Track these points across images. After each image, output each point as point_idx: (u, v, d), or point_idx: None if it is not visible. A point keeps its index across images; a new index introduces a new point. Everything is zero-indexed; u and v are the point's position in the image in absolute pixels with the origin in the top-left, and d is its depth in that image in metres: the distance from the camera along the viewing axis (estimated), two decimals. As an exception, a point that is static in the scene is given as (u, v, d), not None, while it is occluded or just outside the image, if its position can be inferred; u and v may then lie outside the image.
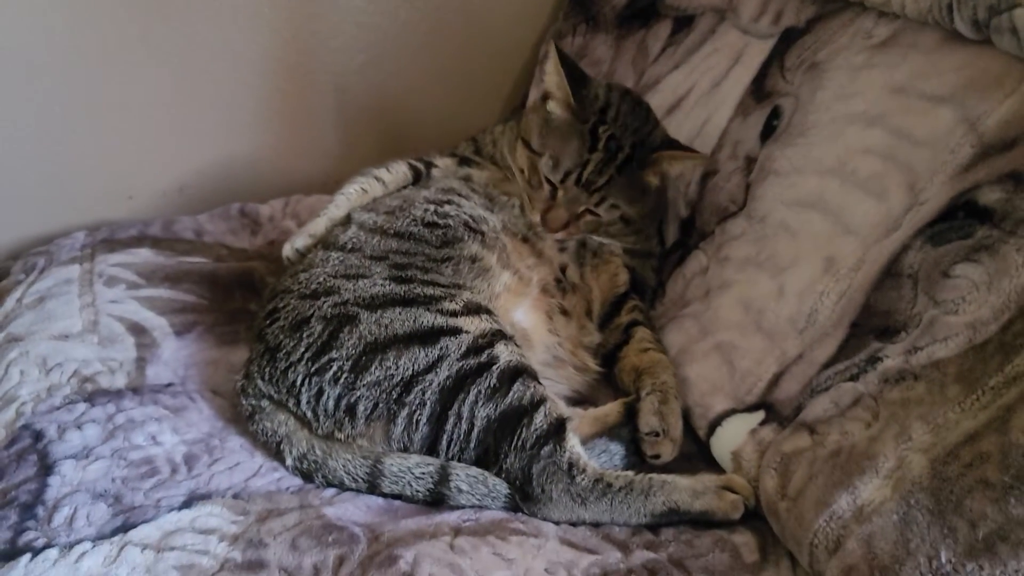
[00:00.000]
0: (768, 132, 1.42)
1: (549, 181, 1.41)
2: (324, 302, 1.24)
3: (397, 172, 1.55)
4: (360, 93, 1.96)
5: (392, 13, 1.94)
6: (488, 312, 1.26)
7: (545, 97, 1.46)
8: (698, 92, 1.61)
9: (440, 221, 1.39)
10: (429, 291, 1.26)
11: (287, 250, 1.43)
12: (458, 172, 1.58)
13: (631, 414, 1.28)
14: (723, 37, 1.61)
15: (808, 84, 1.39)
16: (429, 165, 1.58)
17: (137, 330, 1.43)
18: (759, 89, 1.49)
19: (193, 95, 1.84)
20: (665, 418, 1.24)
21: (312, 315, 1.23)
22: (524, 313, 1.36)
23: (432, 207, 1.42)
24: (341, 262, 1.32)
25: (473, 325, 1.23)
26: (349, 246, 1.36)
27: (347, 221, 1.43)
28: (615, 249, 1.50)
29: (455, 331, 1.21)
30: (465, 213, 1.41)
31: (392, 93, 2.00)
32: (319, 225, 1.45)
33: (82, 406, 1.24)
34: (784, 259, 1.29)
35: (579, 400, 1.38)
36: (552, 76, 1.45)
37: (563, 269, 1.45)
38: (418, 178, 1.56)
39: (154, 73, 1.79)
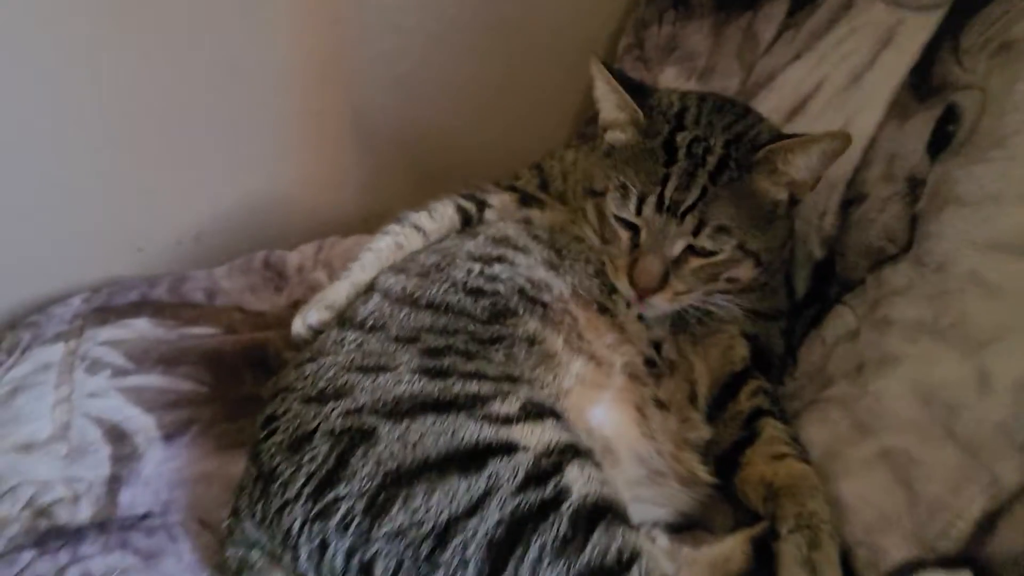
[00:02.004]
0: (941, 142, 1.02)
1: (625, 223, 1.04)
2: (333, 409, 0.91)
3: (442, 216, 1.20)
4: (398, 112, 1.62)
5: (437, 10, 1.59)
6: (555, 415, 0.91)
7: (604, 129, 1.10)
8: (830, 89, 1.21)
9: (487, 287, 1.04)
10: (473, 387, 0.91)
11: (297, 326, 1.11)
12: (517, 213, 1.22)
13: (763, 555, 0.90)
14: (864, 13, 1.21)
15: (1000, 72, 0.98)
16: (482, 205, 1.23)
17: (116, 436, 1.13)
18: (923, 82, 1.08)
19: (203, 125, 1.54)
20: (819, 571, 0.85)
21: (316, 428, 0.90)
22: (605, 412, 1.00)
23: (478, 266, 1.07)
24: (358, 347, 0.99)
25: (534, 437, 0.87)
26: (370, 323, 1.02)
27: (371, 287, 1.09)
28: (732, 312, 1.11)
29: (509, 448, 0.86)
30: (521, 275, 1.06)
31: (436, 110, 1.66)
32: (339, 292, 1.12)
33: (27, 555, 0.95)
34: (982, 329, 0.89)
35: (686, 524, 1.01)
36: (605, 96, 1.08)
37: (657, 346, 1.08)
38: (468, 222, 1.22)
39: (157, 103, 1.49)
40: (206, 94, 1.52)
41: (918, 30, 1.10)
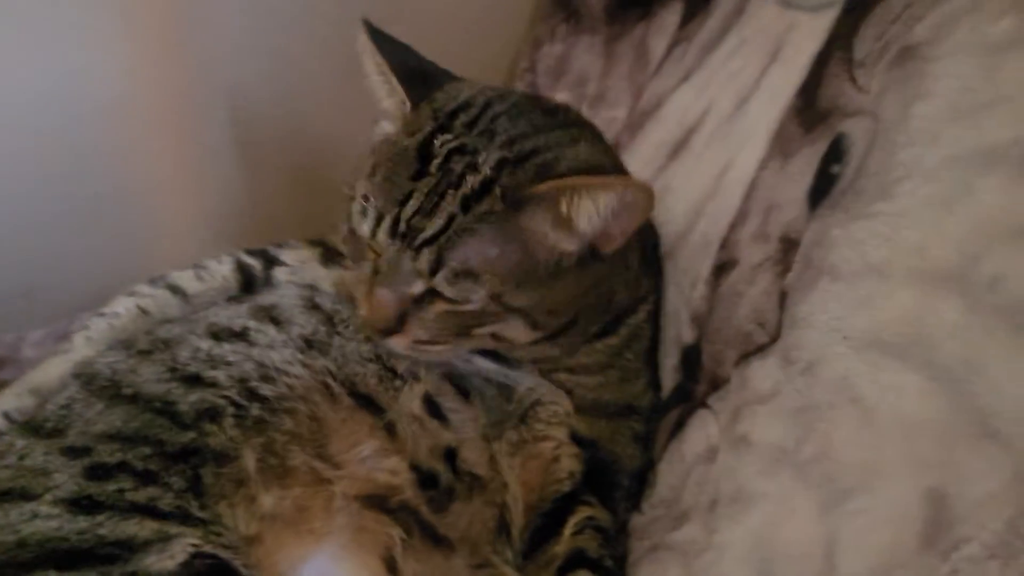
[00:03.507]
0: (823, 188, 0.73)
1: (370, 245, 0.77)
2: None
3: (212, 276, 0.95)
4: (263, 118, 1.35)
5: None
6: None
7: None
8: (716, 117, 0.93)
9: (207, 373, 0.78)
10: (130, 529, 0.65)
11: None
12: (316, 273, 0.96)
13: None
14: (755, 18, 0.92)
15: (897, 90, 0.69)
16: (272, 262, 0.98)
17: None
18: (810, 105, 0.79)
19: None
20: None
21: None
22: (328, 565, 0.71)
23: (206, 345, 0.81)
24: (18, 460, 0.73)
25: None
26: (50, 425, 0.77)
27: (80, 370, 0.84)
28: (559, 405, 0.83)
29: None
30: (253, 359, 0.79)
31: (307, 118, 1.38)
32: (49, 372, 0.87)
33: None
34: (846, 469, 0.60)
35: None
36: (373, 78, 0.81)
37: (449, 453, 0.79)
38: (251, 283, 0.96)
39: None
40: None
41: (809, 37, 0.82)
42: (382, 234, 0.73)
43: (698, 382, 0.83)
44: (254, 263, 0.96)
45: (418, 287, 0.73)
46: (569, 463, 0.82)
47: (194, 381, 0.77)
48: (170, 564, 0.63)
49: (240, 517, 0.70)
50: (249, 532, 0.69)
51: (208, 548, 0.65)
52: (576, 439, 0.83)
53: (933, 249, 0.60)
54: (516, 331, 0.75)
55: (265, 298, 0.89)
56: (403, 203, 0.72)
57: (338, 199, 0.93)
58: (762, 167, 0.82)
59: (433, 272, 0.71)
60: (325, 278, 0.92)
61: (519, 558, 0.80)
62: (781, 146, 0.80)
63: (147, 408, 0.76)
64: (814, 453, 0.63)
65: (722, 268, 0.83)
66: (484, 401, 0.83)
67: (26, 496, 0.69)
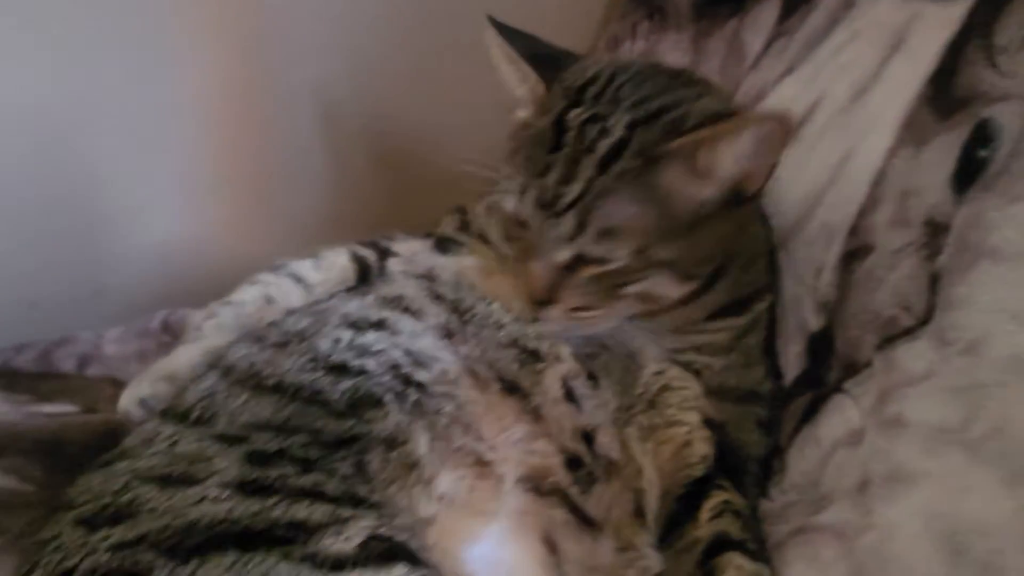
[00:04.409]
0: (970, 172, 0.74)
1: (520, 224, 0.80)
2: (105, 537, 0.65)
3: (330, 267, 0.96)
4: (346, 116, 1.35)
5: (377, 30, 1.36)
6: (410, 559, 0.64)
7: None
8: (829, 108, 0.94)
9: (354, 362, 0.78)
10: (300, 512, 0.65)
11: (125, 402, 0.87)
12: (429, 262, 0.96)
13: None
14: (868, 12, 0.94)
15: (1052, 74, 0.70)
16: (384, 253, 0.98)
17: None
18: (944, 93, 0.80)
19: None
20: None
21: (77, 566, 0.64)
22: (492, 550, 0.71)
23: (348, 335, 0.81)
24: (169, 447, 0.74)
25: None
26: (195, 414, 0.77)
27: (213, 361, 0.84)
28: (689, 389, 0.84)
29: None
30: (399, 347, 0.79)
31: (389, 116, 1.38)
32: (181, 360, 0.88)
33: None
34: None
35: None
36: (504, 69, 0.86)
37: (588, 437, 0.80)
38: (366, 274, 0.97)
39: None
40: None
41: (937, 27, 0.83)
42: (527, 206, 0.76)
43: (830, 368, 0.84)
44: (368, 254, 0.97)
45: (564, 253, 0.76)
46: (702, 447, 0.83)
47: (341, 370, 0.77)
48: (347, 547, 0.63)
49: (416, 499, 0.70)
50: (427, 514, 0.69)
51: (383, 531, 0.65)
52: (707, 423, 0.84)
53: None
54: (665, 286, 0.78)
55: (389, 289, 0.89)
56: (544, 175, 0.76)
57: (426, 192, 0.94)
58: (892, 155, 0.83)
59: (577, 234, 0.74)
60: (444, 267, 0.92)
61: (657, 542, 0.80)
62: (913, 134, 0.81)
63: (296, 398, 0.76)
64: (986, 430, 0.64)
65: (853, 255, 0.84)
66: (612, 386, 0.83)
67: (189, 481, 0.68)
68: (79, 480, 0.76)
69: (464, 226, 1.00)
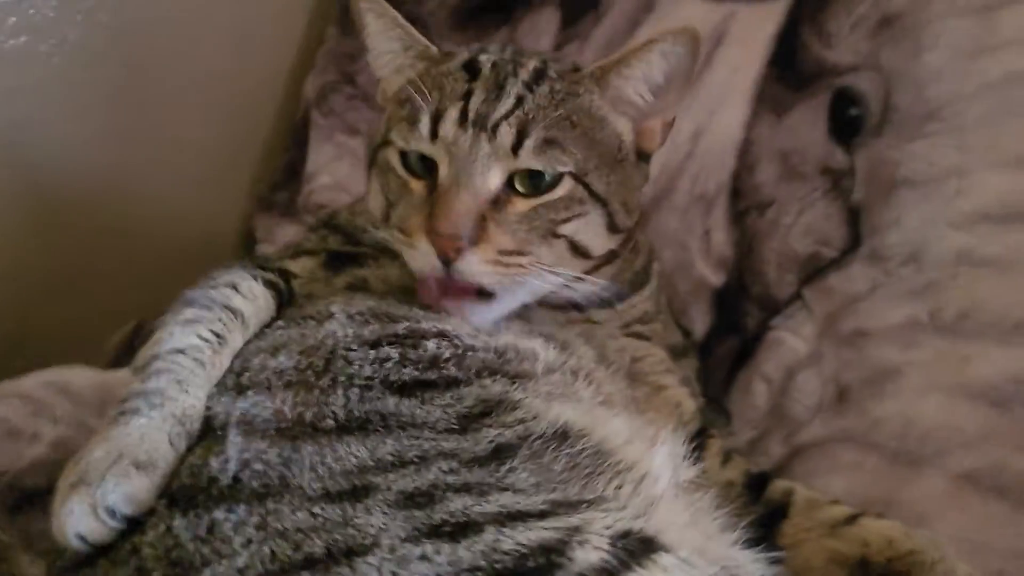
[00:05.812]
0: (849, 128, 0.91)
1: (420, 166, 0.72)
2: None
3: (253, 295, 0.73)
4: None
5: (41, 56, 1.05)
6: (662, 548, 0.54)
7: (381, 82, 0.80)
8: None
9: (429, 375, 0.62)
10: (527, 535, 0.51)
11: (68, 528, 0.54)
12: (330, 281, 0.80)
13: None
14: (673, 13, 1.06)
15: (893, 48, 0.91)
16: (284, 274, 0.78)
17: None
18: (791, 70, 0.97)
19: None
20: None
21: None
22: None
23: (395, 352, 0.63)
24: (260, 526, 0.50)
25: None
26: (255, 486, 0.53)
27: (211, 422, 0.58)
28: (654, 355, 0.85)
29: None
30: (480, 349, 0.65)
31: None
32: (153, 438, 0.58)
33: None
34: (1008, 310, 0.78)
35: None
36: (385, 37, 0.77)
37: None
38: (282, 303, 0.75)
39: None
40: None
41: (759, 22, 1.00)
42: (447, 126, 0.70)
43: (746, 314, 0.93)
44: (274, 278, 0.78)
45: (495, 175, 0.70)
46: (689, 403, 0.84)
47: (426, 387, 0.62)
48: (595, 557, 0.51)
49: (626, 476, 0.59)
50: (654, 492, 0.59)
51: (619, 526, 0.54)
52: (683, 381, 0.86)
53: (1006, 145, 0.82)
54: (595, 233, 0.74)
55: (356, 306, 0.71)
56: (466, 97, 0.71)
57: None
58: (751, 126, 0.97)
59: (518, 145, 0.69)
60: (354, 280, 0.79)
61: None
62: (771, 105, 0.96)
63: (386, 428, 0.58)
64: (957, 313, 0.80)
65: (745, 212, 0.95)
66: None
67: (357, 552, 0.48)
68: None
69: (350, 237, 0.85)
